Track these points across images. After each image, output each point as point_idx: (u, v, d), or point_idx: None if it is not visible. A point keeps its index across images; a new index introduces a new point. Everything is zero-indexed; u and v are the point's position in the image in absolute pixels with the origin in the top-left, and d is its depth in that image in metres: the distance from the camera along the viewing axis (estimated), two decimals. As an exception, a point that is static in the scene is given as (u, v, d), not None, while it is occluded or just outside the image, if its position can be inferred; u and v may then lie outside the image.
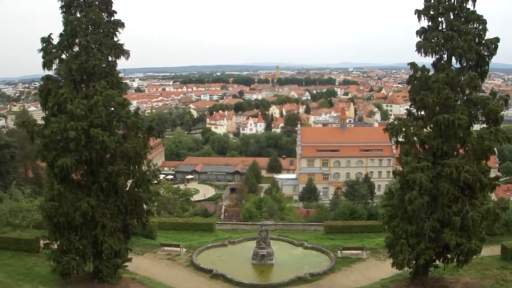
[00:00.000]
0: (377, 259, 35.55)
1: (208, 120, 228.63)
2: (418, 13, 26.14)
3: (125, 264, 28.71)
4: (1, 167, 65.65)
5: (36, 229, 36.59)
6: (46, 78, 26.41)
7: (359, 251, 36.95)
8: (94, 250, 26.79)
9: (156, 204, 35.09)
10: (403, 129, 26.47)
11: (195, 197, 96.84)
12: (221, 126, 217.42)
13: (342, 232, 43.06)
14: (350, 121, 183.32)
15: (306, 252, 37.81)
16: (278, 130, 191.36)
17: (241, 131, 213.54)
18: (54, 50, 26.34)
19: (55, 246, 27.85)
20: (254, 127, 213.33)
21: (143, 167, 27.56)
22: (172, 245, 37.81)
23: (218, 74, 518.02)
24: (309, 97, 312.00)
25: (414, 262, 26.51)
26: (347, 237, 41.88)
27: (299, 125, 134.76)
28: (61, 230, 26.46)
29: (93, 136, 24.18)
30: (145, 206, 28.44)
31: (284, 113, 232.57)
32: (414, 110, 27.28)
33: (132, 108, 27.94)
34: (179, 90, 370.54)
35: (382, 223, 30.32)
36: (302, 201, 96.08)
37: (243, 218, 58.85)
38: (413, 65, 26.62)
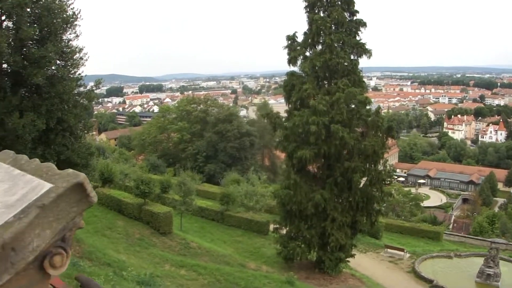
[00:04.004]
0: None
1: (445, 124, 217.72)
2: None
3: (347, 259, 28.86)
4: (241, 153, 69.52)
5: (267, 213, 38.71)
6: (291, 74, 27.79)
7: None
8: (320, 241, 27.39)
9: (385, 205, 35.21)
10: None
11: (425, 203, 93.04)
12: (459, 132, 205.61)
13: None
14: None
15: (537, 280, 33.93)
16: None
17: (480, 139, 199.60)
18: (298, 48, 27.59)
19: (284, 232, 29.29)
20: (494, 135, 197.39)
21: (379, 166, 27.31)
22: (396, 248, 36.98)
23: (458, 76, 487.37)
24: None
25: None
26: None
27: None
28: (292, 218, 27.68)
29: (333, 132, 24.69)
30: (376, 205, 28.38)
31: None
32: None
33: (371, 107, 28.12)
34: (417, 91, 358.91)
35: None
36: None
37: (473, 232, 54.66)
38: None
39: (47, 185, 1.82)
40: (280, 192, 27.54)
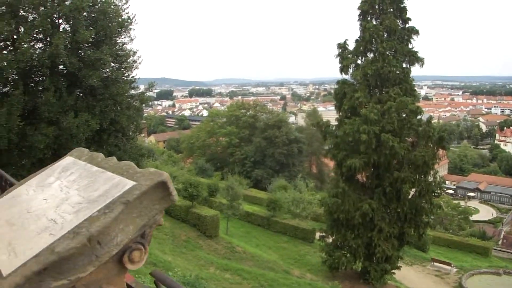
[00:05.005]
0: None
1: (497, 136, 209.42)
2: None
3: (393, 271, 28.44)
4: (289, 159, 69.20)
5: (313, 221, 38.65)
6: (342, 82, 27.69)
7: None
8: (366, 251, 27.08)
9: (432, 217, 34.39)
10: None
11: (474, 217, 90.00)
12: (511, 144, 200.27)
13: None
14: None
15: None
16: None
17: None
18: (349, 56, 27.49)
19: (330, 240, 29.22)
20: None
21: (429, 177, 26.79)
22: (443, 262, 36.06)
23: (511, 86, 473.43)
24: None
25: None
26: None
27: None
28: (339, 226, 27.48)
29: (383, 141, 24.35)
30: (424, 217, 27.79)
31: None
32: None
33: (422, 116, 27.65)
34: (468, 101, 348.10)
35: None
36: None
37: (524, 249, 53.06)
38: None
39: (130, 183, 1.92)
40: (327, 200, 27.38)
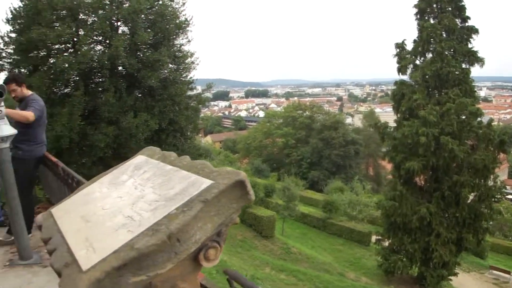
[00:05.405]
0: None
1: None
2: None
3: (450, 277, 27.65)
4: (346, 161, 68.13)
5: (369, 224, 38.18)
6: (401, 83, 27.34)
7: None
8: (423, 256, 26.59)
9: (491, 223, 33.16)
10: None
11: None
12: None
13: None
14: None
15: None
16: None
17: None
18: (407, 56, 27.15)
19: (386, 244, 28.78)
20: None
21: (489, 182, 25.97)
22: (502, 271, 34.59)
23: None
24: None
25: None
26: None
27: None
28: (395, 230, 27.10)
29: (442, 144, 23.88)
30: (483, 223, 27.02)
31: None
32: None
33: (482, 119, 26.91)
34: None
35: None
36: None
37: None
38: None
39: (207, 181, 2.02)
40: (384, 203, 27.08)
